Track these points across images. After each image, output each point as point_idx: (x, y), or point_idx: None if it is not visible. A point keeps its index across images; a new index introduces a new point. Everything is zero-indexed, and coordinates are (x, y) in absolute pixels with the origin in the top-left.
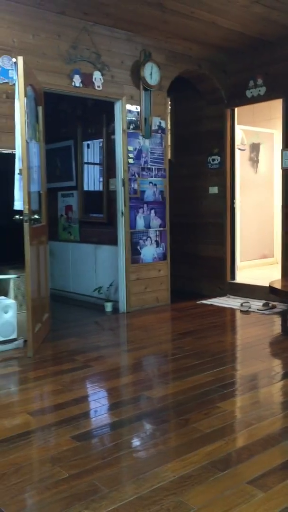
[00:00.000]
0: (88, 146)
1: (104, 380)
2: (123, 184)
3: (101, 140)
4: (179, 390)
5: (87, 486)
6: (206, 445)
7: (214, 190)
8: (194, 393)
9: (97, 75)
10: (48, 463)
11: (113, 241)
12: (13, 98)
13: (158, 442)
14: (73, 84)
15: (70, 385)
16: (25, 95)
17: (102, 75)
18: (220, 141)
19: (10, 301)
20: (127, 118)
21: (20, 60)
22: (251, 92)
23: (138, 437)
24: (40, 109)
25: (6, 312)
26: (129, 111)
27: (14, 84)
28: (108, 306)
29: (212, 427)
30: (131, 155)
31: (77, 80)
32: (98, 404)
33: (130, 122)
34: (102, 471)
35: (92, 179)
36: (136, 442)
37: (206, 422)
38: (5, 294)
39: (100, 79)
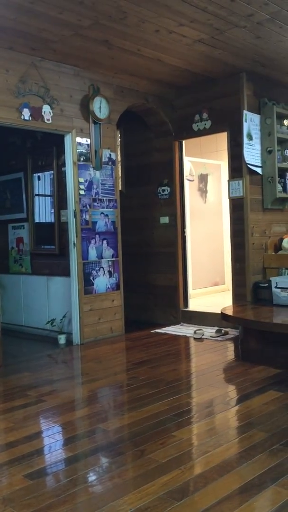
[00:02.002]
0: (38, 178)
1: (58, 415)
2: (75, 215)
3: (52, 172)
4: (135, 421)
5: None
6: (162, 475)
7: (165, 220)
8: (149, 423)
9: (46, 108)
10: (0, 504)
11: (66, 273)
12: None
13: (114, 475)
14: (22, 117)
15: (23, 422)
16: None
17: (52, 108)
18: (169, 172)
19: None
20: (78, 150)
21: None
22: (197, 126)
23: (93, 471)
24: None
25: None
26: (79, 143)
27: None
28: (62, 339)
29: (168, 456)
30: (82, 186)
31: (26, 114)
32: (52, 439)
33: (80, 154)
34: (56, 509)
35: (43, 211)
36: (91, 476)
37: (162, 452)
38: None
39: (49, 112)
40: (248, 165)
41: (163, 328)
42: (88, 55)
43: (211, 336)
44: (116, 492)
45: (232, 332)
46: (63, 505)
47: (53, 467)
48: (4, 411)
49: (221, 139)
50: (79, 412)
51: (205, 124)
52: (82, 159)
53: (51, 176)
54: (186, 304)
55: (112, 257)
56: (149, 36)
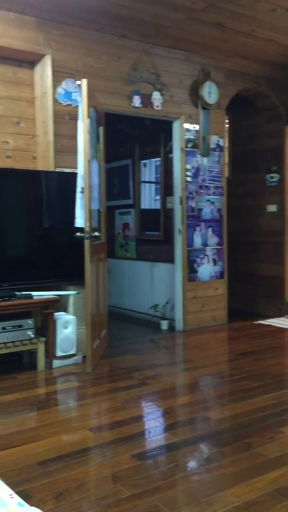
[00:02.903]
0: (145, 165)
1: (161, 399)
2: (181, 202)
3: (158, 159)
4: (239, 413)
5: (149, 507)
6: (271, 471)
7: (272, 208)
8: (255, 416)
9: (156, 95)
10: (110, 481)
11: (170, 259)
12: (76, 119)
13: (220, 465)
14: (132, 104)
15: (128, 403)
16: (88, 116)
17: (161, 95)
18: (279, 159)
19: (70, 317)
20: (185, 136)
21: (84, 82)
22: None
23: (199, 459)
24: (101, 129)
25: (65, 328)
26: (187, 129)
27: (77, 106)
28: (164, 324)
29: (277, 452)
30: (189, 173)
31: (136, 101)
32: (156, 423)
33: (188, 141)
34: (164, 492)
35: (148, 198)
36: (197, 464)
37: (270, 446)
38: (65, 309)
39: (159, 99)
40: None
41: (267, 320)
42: (200, 39)
43: None
44: (223, 482)
45: None
46: (170, 489)
47: (158, 451)
48: (110, 391)
49: None
50: (182, 398)
51: None
52: (189, 145)
53: (157, 163)
54: None
55: (217, 245)
56: (265, 16)
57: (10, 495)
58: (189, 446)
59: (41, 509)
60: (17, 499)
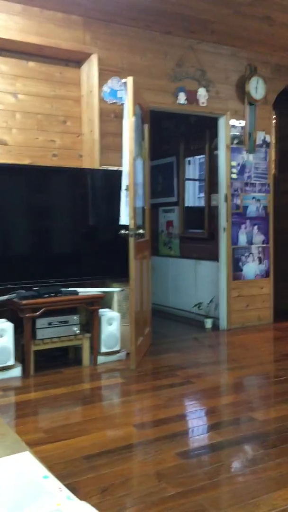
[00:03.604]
0: (189, 162)
1: (205, 398)
2: (226, 200)
3: (203, 156)
4: (286, 414)
5: (194, 506)
6: None
7: None
8: None
9: (201, 91)
10: (154, 478)
11: (214, 257)
12: (121, 117)
13: (266, 467)
14: (178, 101)
15: (172, 401)
16: (134, 114)
17: (207, 91)
18: None
19: (114, 314)
20: (231, 133)
21: (129, 80)
22: None
23: (244, 460)
24: (146, 127)
25: (110, 324)
26: (233, 126)
27: (122, 104)
28: (208, 323)
29: None
30: (234, 170)
31: (182, 98)
32: (201, 422)
33: (233, 137)
34: (209, 492)
35: (192, 195)
36: (242, 465)
37: None
38: (109, 306)
39: (204, 95)
40: None
41: None
42: (247, 33)
43: None
44: (269, 485)
45: None
46: (216, 489)
47: (202, 450)
48: (154, 388)
49: None
50: (227, 398)
51: None
52: (235, 142)
53: (201, 160)
54: None
55: (263, 243)
56: None
57: (59, 488)
58: (233, 446)
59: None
60: (66, 492)
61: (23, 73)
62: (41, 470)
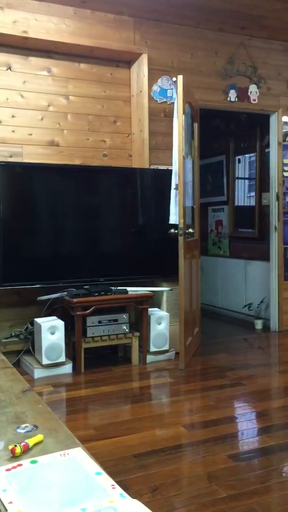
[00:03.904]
0: (239, 160)
1: (256, 400)
2: (277, 198)
3: (253, 154)
4: None
5: (246, 510)
6: None
7: None
8: None
9: (253, 88)
10: (205, 479)
11: (265, 257)
12: (171, 116)
13: None
14: (228, 99)
15: (222, 402)
16: (184, 113)
17: (258, 88)
18: None
19: (163, 313)
20: (283, 130)
21: (180, 79)
22: None
23: None
24: (195, 125)
25: (159, 324)
26: (286, 123)
27: (172, 103)
28: (258, 324)
29: None
30: (286, 168)
31: (232, 95)
32: (251, 425)
33: (286, 134)
34: (262, 496)
35: (242, 194)
36: None
37: None
38: (158, 306)
39: (256, 92)
40: None
41: None
42: None
43: None
44: None
45: None
46: (268, 493)
47: (254, 453)
48: (203, 389)
49: None
50: (278, 401)
51: None
52: (287, 139)
53: (251, 159)
54: None
55: None
56: None
57: (112, 485)
58: (285, 451)
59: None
60: (119, 490)
61: (75, 75)
62: (94, 466)
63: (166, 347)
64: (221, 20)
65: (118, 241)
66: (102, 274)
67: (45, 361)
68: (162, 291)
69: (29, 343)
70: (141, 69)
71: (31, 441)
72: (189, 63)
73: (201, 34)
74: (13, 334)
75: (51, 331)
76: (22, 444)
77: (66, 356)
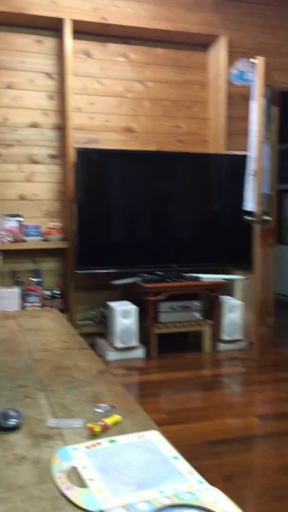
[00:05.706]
0: None
1: None
2: None
3: None
4: None
5: None
6: None
7: None
8: None
9: None
10: (279, 472)
11: None
12: (249, 100)
13: None
14: None
15: None
16: (263, 96)
17: None
18: None
19: (236, 302)
20: None
21: (260, 60)
22: None
23: None
24: (275, 109)
25: (232, 312)
26: None
27: (251, 86)
28: None
29: None
30: None
31: None
32: None
33: None
34: None
35: None
36: None
37: None
38: (230, 294)
39: None
40: None
41: None
42: None
43: None
44: None
45: None
46: None
47: None
48: (277, 380)
49: None
50: None
51: None
52: None
53: None
54: None
55: None
56: None
57: (189, 470)
58: None
59: None
60: (197, 475)
61: (151, 60)
62: (171, 450)
63: (239, 336)
64: None
65: (192, 227)
66: (175, 260)
67: (118, 344)
68: (235, 279)
69: (103, 326)
70: (219, 51)
71: (109, 421)
72: (269, 44)
73: (282, 13)
74: (88, 316)
75: (124, 315)
76: (102, 423)
77: (139, 341)
